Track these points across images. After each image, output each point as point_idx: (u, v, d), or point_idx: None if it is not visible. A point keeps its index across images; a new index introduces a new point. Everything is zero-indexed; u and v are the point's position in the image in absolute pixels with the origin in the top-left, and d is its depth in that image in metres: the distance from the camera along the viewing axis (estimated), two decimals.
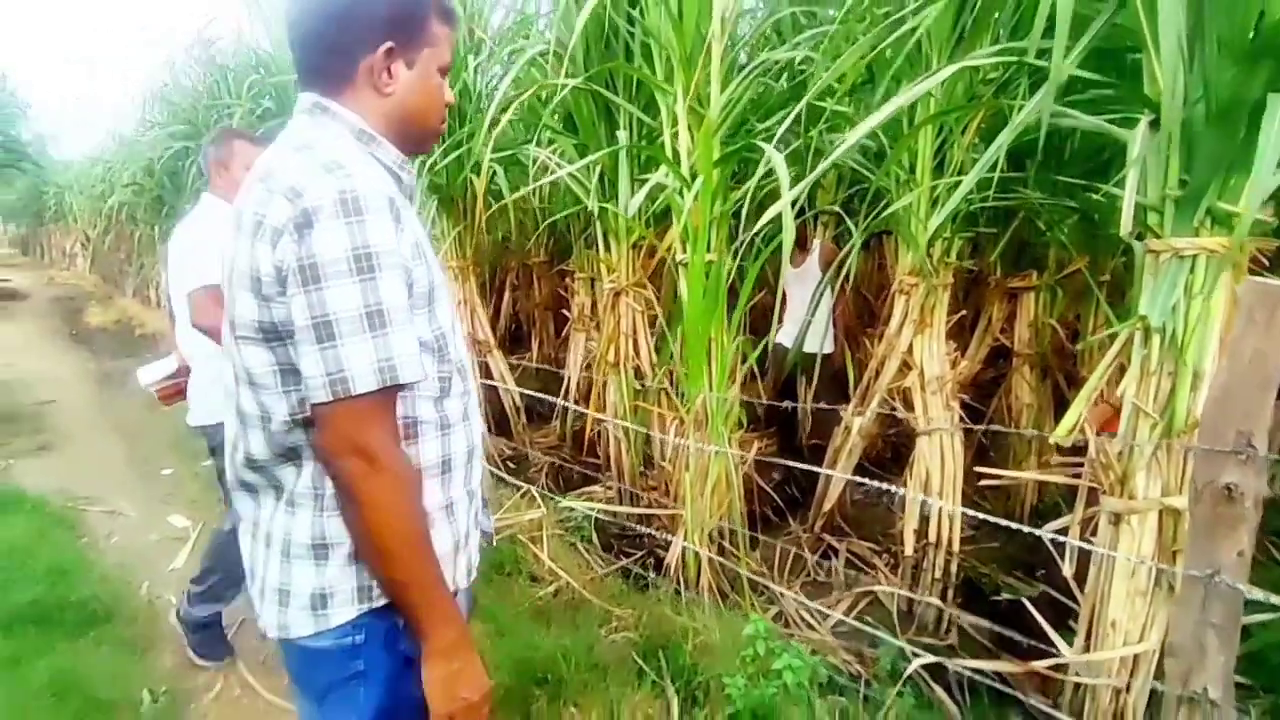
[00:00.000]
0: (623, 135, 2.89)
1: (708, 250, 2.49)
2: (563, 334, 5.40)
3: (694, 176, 2.44)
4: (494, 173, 4.27)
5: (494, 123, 2.81)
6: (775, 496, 3.47)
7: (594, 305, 4.68)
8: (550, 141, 3.43)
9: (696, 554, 2.55)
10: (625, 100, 2.87)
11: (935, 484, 2.75)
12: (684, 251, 2.57)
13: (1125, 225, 1.48)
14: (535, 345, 5.40)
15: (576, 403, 4.35)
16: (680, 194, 2.48)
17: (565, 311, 5.08)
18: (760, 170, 2.43)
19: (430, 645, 0.93)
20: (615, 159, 3.22)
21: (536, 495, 2.96)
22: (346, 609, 0.95)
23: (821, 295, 3.45)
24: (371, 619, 0.96)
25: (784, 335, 3.89)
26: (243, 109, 5.96)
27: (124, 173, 8.99)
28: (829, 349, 3.89)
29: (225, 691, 2.19)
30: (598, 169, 3.22)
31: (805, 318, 3.48)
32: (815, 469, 2.83)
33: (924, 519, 2.77)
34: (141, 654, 2.28)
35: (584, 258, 4.56)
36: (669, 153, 2.54)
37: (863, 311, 4.41)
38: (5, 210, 23.01)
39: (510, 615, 2.37)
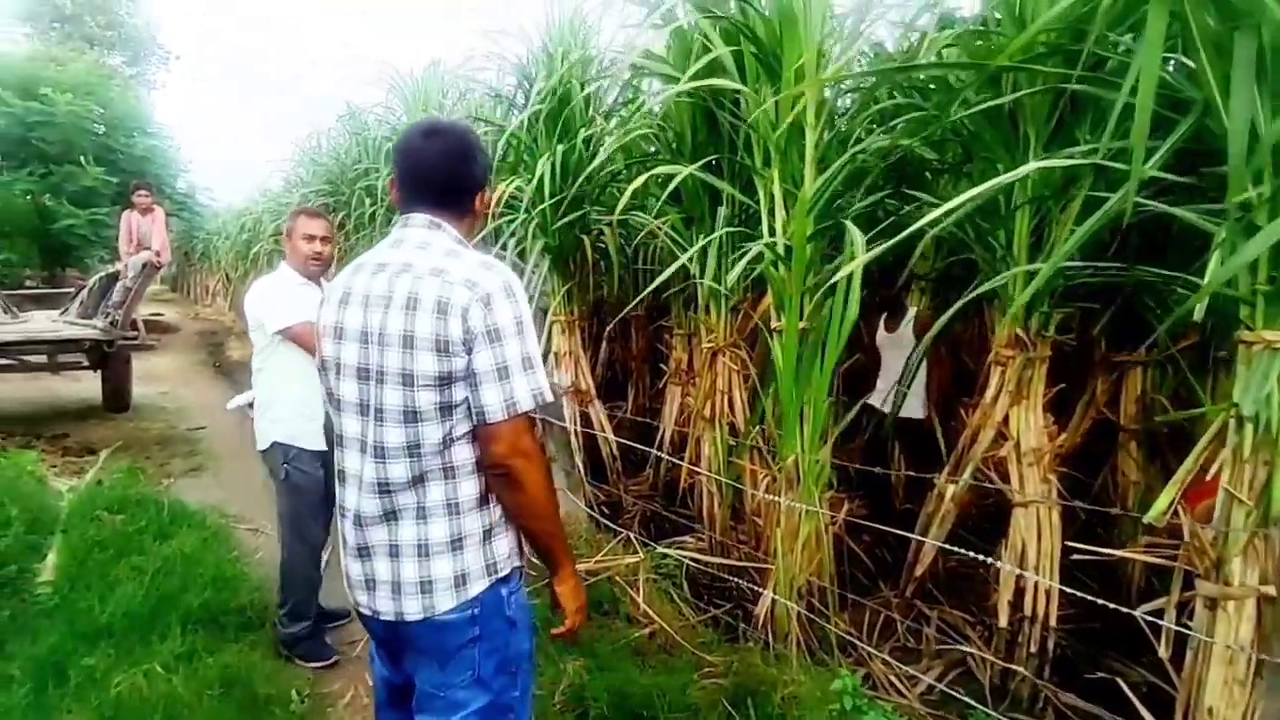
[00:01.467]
0: (723, 211, 3.13)
1: (800, 318, 2.65)
2: (658, 387, 5.63)
3: (788, 250, 2.63)
4: (600, 233, 4.62)
5: (605, 198, 3.11)
6: (866, 559, 3.51)
7: (690, 361, 4.89)
8: (660, 213, 3.71)
9: (786, 608, 2.66)
10: (728, 181, 3.12)
11: (1032, 557, 2.75)
12: (778, 319, 2.75)
13: (1199, 314, 1.56)
14: (631, 396, 5.64)
15: (670, 454, 4.55)
16: (775, 266, 2.67)
17: (661, 365, 5.32)
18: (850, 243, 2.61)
19: (564, 571, 1.40)
20: (714, 227, 3.47)
21: (634, 540, 3.14)
22: (480, 582, 1.34)
23: (919, 362, 3.52)
24: (490, 593, 1.35)
25: (876, 397, 3.96)
26: (380, 174, 6.64)
27: (270, 224, 10.04)
28: (921, 414, 3.93)
29: (355, 700, 2.46)
30: (700, 236, 3.47)
31: (902, 385, 3.56)
32: (907, 534, 2.88)
33: (1019, 592, 2.77)
34: (286, 660, 2.60)
35: (681, 316, 4.80)
36: (765, 229, 2.76)
37: (960, 377, 4.42)
38: None
39: (608, 652, 2.54)
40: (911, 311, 3.97)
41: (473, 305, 1.24)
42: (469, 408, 1.27)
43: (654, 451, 4.61)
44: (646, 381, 5.68)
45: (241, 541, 3.75)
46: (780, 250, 2.59)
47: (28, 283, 12.90)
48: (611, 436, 4.70)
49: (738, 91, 2.84)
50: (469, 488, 1.32)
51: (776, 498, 2.70)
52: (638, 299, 5.35)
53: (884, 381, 3.96)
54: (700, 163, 3.01)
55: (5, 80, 12.00)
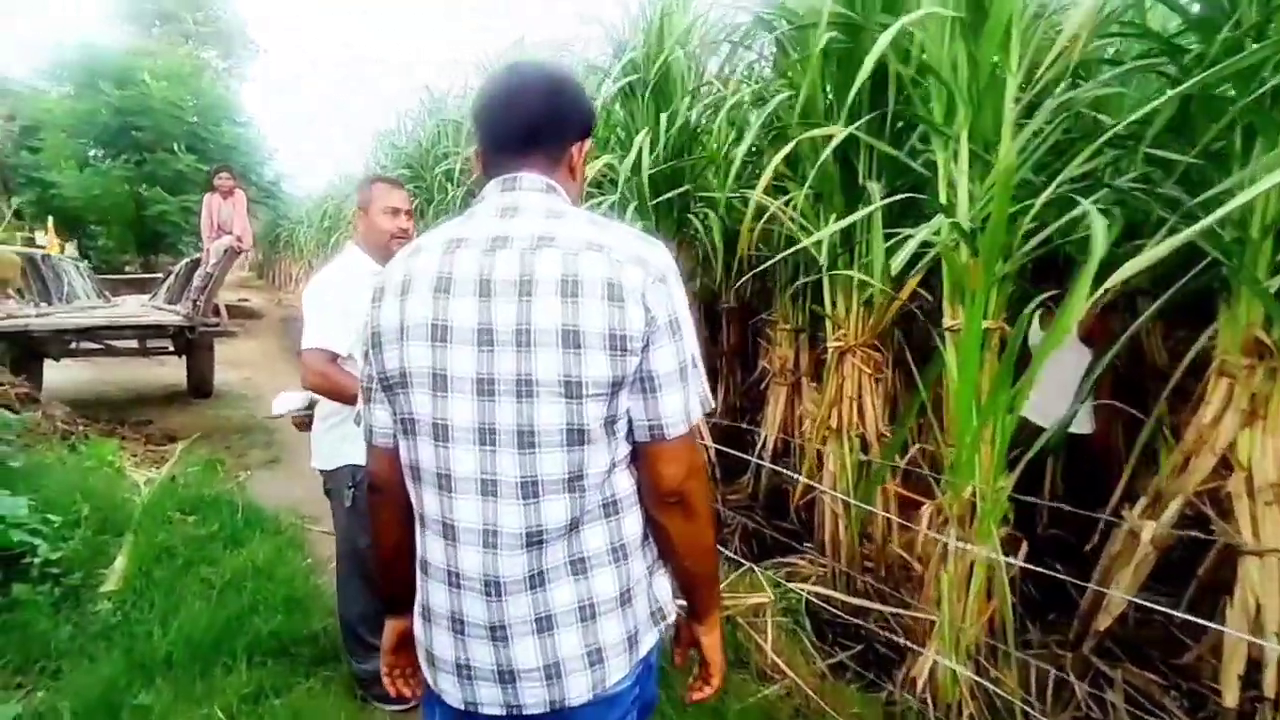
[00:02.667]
0: (874, 186, 2.61)
1: (984, 315, 2.14)
2: (747, 385, 5.15)
3: (974, 231, 2.11)
4: (704, 215, 4.15)
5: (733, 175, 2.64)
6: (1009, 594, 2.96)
7: (797, 360, 4.40)
8: (781, 189, 3.22)
9: (954, 673, 2.16)
10: (888, 144, 2.60)
11: (1272, 621, 2.17)
12: (953, 316, 2.23)
13: None
14: (720, 395, 5.16)
15: (773, 462, 4.07)
16: (956, 249, 2.16)
17: (755, 362, 4.84)
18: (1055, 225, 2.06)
19: (713, 617, 1.16)
20: (855, 207, 2.96)
21: (761, 578, 2.68)
22: (650, 637, 1.09)
23: (1094, 371, 2.94)
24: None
25: (1030, 409, 3.38)
26: (459, 155, 6.36)
27: (350, 210, 9.99)
28: (1087, 429, 3.33)
29: None
30: (832, 217, 2.96)
31: (1079, 397, 2.99)
32: (1092, 586, 2.34)
33: (1253, 664, 2.19)
34: (362, 701, 2.26)
35: (787, 309, 4.31)
36: (943, 198, 2.24)
37: (1126, 385, 3.77)
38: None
39: (736, 713, 2.11)
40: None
41: (649, 287, 0.98)
42: (628, 422, 1.01)
43: (754, 460, 4.15)
44: (738, 378, 5.20)
45: (315, 548, 3.49)
46: (965, 229, 2.07)
47: (127, 269, 13.41)
48: (709, 442, 4.26)
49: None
50: (632, 524, 1.05)
51: (942, 535, 2.20)
52: (724, 283, 4.91)
53: (1038, 389, 3.36)
54: (859, 123, 2.48)
55: (104, 71, 12.41)
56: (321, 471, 2.27)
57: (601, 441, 0.99)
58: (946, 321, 2.23)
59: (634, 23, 4.39)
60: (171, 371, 7.42)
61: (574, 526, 1.01)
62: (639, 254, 0.99)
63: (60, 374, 6.88)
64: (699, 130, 4.08)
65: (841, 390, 3.12)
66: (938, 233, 2.23)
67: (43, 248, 8.78)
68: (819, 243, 3.12)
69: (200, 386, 6.93)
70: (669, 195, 3.62)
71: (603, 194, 3.97)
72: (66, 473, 3.65)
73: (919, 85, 2.47)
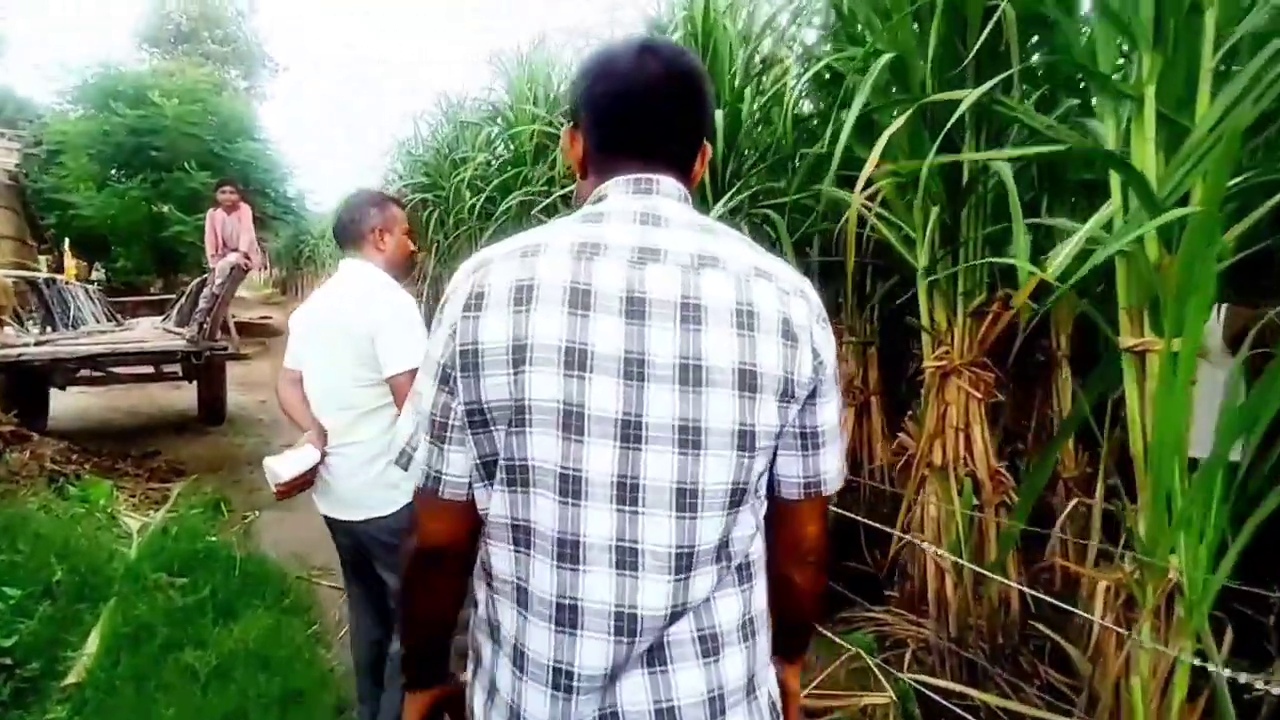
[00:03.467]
0: (1004, 167, 2.08)
1: (1182, 331, 1.60)
2: None
3: (1167, 225, 1.58)
4: (761, 218, 3.64)
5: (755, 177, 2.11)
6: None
7: (865, 378, 3.87)
8: (849, 180, 2.71)
9: None
10: (1020, 106, 2.06)
11: None
12: (1135, 331, 1.70)
13: None
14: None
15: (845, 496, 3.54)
16: (1140, 245, 1.62)
17: None
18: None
19: (799, 665, 1.05)
20: (960, 198, 2.44)
21: (876, 672, 2.14)
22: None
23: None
24: None
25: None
26: (479, 160, 5.92)
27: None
28: (1236, 456, 2.75)
29: None
30: (933, 212, 2.44)
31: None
32: None
33: None
34: None
35: (855, 319, 3.79)
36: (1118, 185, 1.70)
37: None
38: (271, 256, 26.62)
39: None
40: (1220, 310, 2.79)
41: (816, 327, 0.84)
42: (770, 478, 0.87)
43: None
44: None
45: (324, 608, 3.02)
46: (1163, 217, 1.53)
47: (151, 289, 13.21)
48: None
49: None
50: (760, 594, 0.89)
51: (1129, 632, 1.66)
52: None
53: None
54: (994, 81, 1.94)
55: (119, 92, 12.24)
56: (375, 520, 1.92)
57: (753, 501, 0.86)
58: (1130, 341, 1.69)
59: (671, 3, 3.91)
60: (185, 395, 7.05)
61: (709, 599, 0.84)
62: (802, 286, 0.87)
63: (69, 401, 6.55)
64: (757, 119, 3.58)
65: (944, 419, 2.59)
66: (1106, 225, 1.71)
67: (58, 274, 8.52)
68: (908, 242, 2.61)
69: (212, 412, 6.54)
70: (734, 196, 3.10)
71: None
72: (48, 524, 3.23)
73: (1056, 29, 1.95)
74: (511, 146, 5.84)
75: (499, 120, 5.95)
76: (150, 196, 12.25)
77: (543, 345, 0.78)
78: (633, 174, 0.88)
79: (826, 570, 0.95)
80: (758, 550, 0.88)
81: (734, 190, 3.24)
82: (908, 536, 2.71)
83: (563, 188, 4.53)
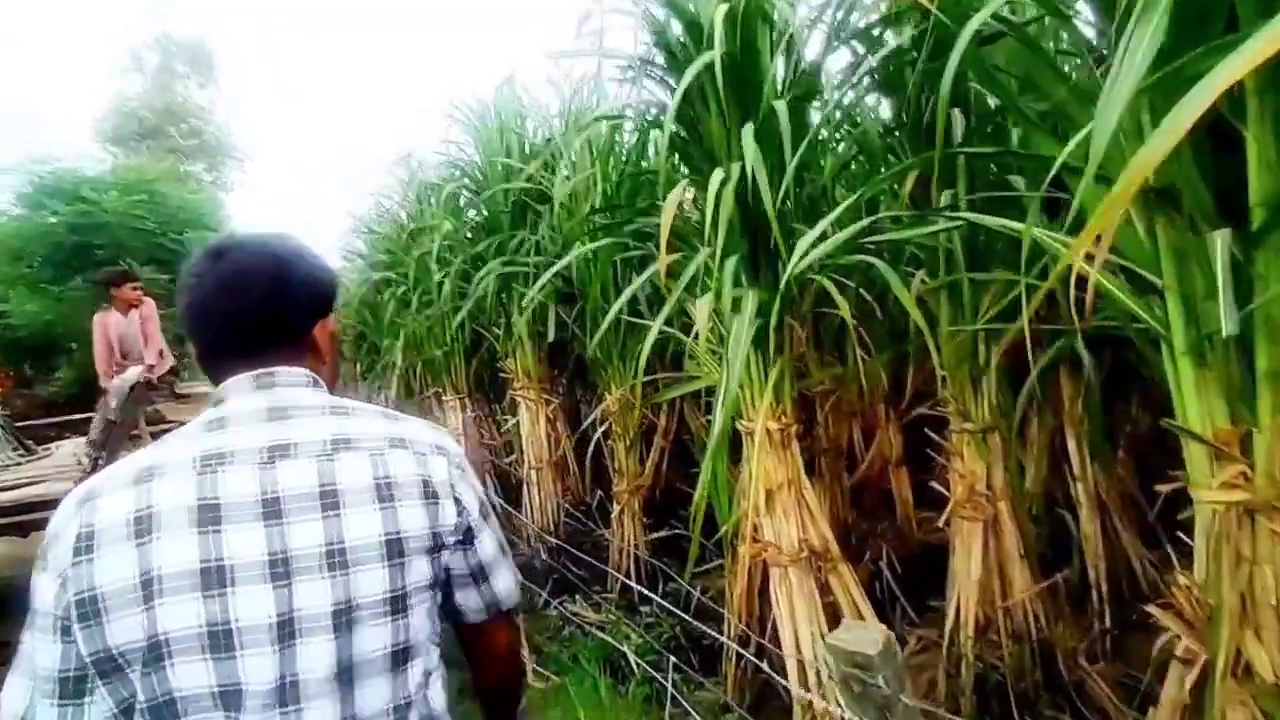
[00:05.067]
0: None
1: None
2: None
3: None
4: (806, 279, 2.60)
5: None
6: None
7: (990, 479, 2.81)
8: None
9: None
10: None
11: None
12: None
13: None
14: (881, 551, 3.46)
15: (979, 648, 2.44)
16: None
17: (927, 484, 3.23)
18: None
19: None
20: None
21: None
22: None
23: None
24: None
25: None
26: (446, 228, 4.92)
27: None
28: None
29: None
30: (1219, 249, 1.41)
31: None
32: None
33: None
34: None
35: (966, 397, 2.76)
36: None
37: None
38: None
39: None
40: None
41: (456, 479, 0.97)
42: (449, 612, 1.00)
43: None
44: (911, 516, 3.57)
45: None
46: None
47: (96, 401, 11.95)
48: (881, 631, 2.62)
49: None
50: None
51: None
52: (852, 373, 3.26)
53: None
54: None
55: (58, 189, 11.30)
56: None
57: (423, 654, 0.91)
58: None
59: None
60: None
61: None
62: (438, 443, 0.97)
63: None
64: (819, 144, 2.59)
65: (1252, 589, 1.50)
66: None
67: None
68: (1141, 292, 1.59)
69: None
70: (808, 252, 2.06)
71: (686, 253, 2.45)
72: None
73: None
74: (485, 211, 4.86)
75: (467, 180, 4.98)
76: (91, 297, 11.16)
77: (174, 574, 0.78)
78: (250, 370, 0.92)
79: (519, 663, 1.12)
80: (438, 701, 0.92)
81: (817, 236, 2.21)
82: None
83: (556, 257, 3.54)
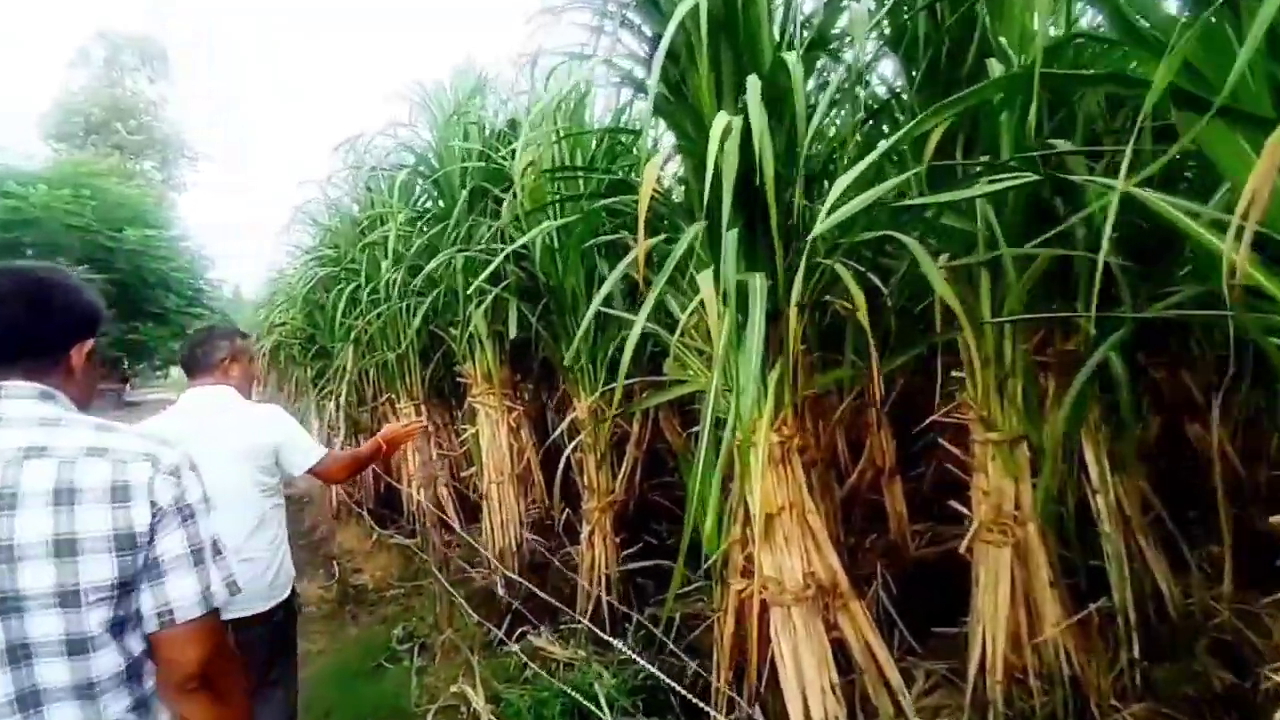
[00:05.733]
0: None
1: None
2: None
3: None
4: (820, 266, 2.21)
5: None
6: None
7: (1018, 496, 2.45)
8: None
9: None
10: None
11: None
12: None
13: None
14: (876, 571, 3.06)
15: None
16: None
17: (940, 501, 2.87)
18: None
19: None
20: None
21: None
22: None
23: None
24: None
25: None
26: (401, 219, 4.45)
27: (275, 312, 8.00)
28: None
29: None
30: None
31: None
32: None
33: None
34: None
35: (990, 401, 2.41)
36: None
37: None
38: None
39: None
40: None
41: (158, 481, 1.07)
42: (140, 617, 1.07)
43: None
44: (905, 531, 3.18)
45: None
46: None
47: None
48: (896, 681, 2.20)
49: None
50: None
51: None
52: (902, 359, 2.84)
53: None
54: None
55: None
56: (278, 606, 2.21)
57: (110, 646, 1.02)
58: None
59: None
60: None
61: None
62: (147, 451, 1.07)
63: None
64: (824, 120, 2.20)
65: None
66: None
67: None
68: None
69: None
70: (836, 209, 1.65)
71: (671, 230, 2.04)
72: None
73: None
74: (439, 200, 4.40)
75: (422, 166, 4.51)
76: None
77: None
78: None
79: (229, 707, 1.10)
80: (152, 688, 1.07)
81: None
82: None
83: (513, 241, 3.10)
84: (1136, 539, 2.78)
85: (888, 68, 2.62)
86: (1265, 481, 3.15)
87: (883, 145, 1.49)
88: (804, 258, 1.69)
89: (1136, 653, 2.71)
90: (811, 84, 2.35)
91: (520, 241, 2.68)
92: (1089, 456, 2.74)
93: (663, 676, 2.28)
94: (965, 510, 2.52)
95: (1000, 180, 1.52)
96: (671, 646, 2.88)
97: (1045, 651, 2.41)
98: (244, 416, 2.24)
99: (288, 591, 2.28)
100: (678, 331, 2.06)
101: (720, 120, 1.80)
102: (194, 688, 1.06)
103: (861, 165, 1.49)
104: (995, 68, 1.85)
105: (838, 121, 2.61)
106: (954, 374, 2.62)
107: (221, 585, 1.10)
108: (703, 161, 1.87)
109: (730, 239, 1.67)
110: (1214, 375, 2.92)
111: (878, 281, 2.21)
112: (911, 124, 1.34)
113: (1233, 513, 2.74)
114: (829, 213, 1.41)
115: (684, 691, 2.28)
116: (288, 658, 2.34)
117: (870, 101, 2.32)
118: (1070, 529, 2.60)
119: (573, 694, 2.60)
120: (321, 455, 2.30)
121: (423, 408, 5.27)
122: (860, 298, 1.86)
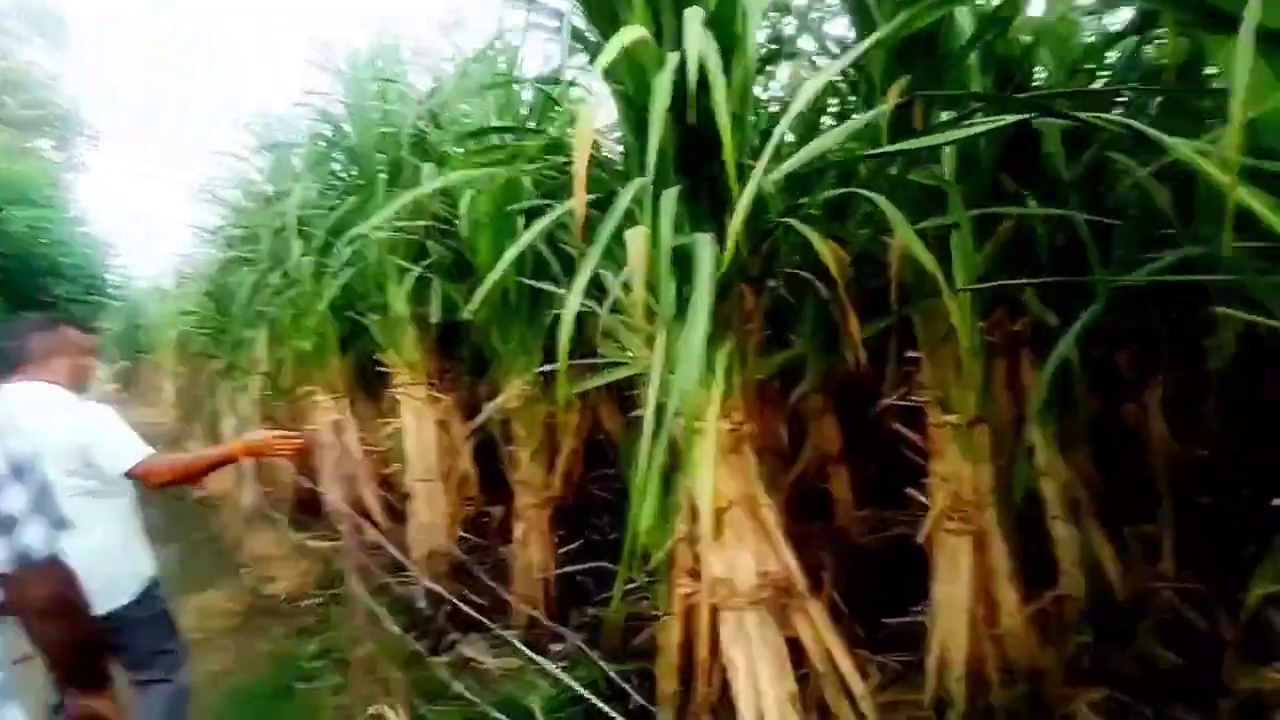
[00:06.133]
0: None
1: None
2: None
3: None
4: (780, 228, 2.00)
5: None
6: None
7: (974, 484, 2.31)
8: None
9: None
10: None
11: None
12: None
13: None
14: (820, 561, 2.91)
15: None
16: None
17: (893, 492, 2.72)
18: None
19: None
20: None
21: None
22: None
23: None
24: None
25: None
26: (312, 192, 4.06)
27: (183, 299, 7.39)
28: None
29: None
30: None
31: None
32: None
33: None
34: None
35: (943, 373, 2.28)
36: None
37: None
38: (105, 346, 22.78)
39: None
40: None
41: None
42: None
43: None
44: (851, 519, 3.03)
45: None
46: None
47: None
48: (857, 686, 2.04)
49: None
50: None
51: None
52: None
53: None
54: None
55: None
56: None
57: None
58: None
59: None
60: None
61: None
62: None
63: None
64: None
65: None
66: None
67: None
68: None
69: None
70: (784, 158, 1.44)
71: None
72: None
73: None
74: (355, 173, 4.03)
75: (335, 134, 4.13)
76: None
77: None
78: None
79: None
80: None
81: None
82: None
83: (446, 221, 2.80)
84: (1083, 522, 2.71)
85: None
86: (1197, 461, 3.13)
87: (834, 66, 1.29)
88: (752, 219, 1.47)
89: (1087, 637, 2.64)
90: (762, 36, 2.15)
91: (434, 185, 2.38)
92: (1037, 440, 2.63)
93: (596, 700, 2.05)
94: (921, 497, 2.39)
95: (974, 125, 1.34)
96: (608, 666, 2.66)
97: (1005, 643, 2.30)
98: (46, 416, 2.12)
99: (129, 598, 2.20)
100: (607, 305, 1.82)
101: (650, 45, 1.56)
102: None
103: (809, 89, 1.28)
104: (964, 19, 1.67)
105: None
106: (908, 354, 2.48)
107: None
108: (642, 112, 1.64)
109: (669, 195, 1.44)
110: (1148, 355, 2.87)
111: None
112: (887, 27, 1.14)
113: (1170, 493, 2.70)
114: (773, 153, 1.20)
115: (616, 716, 2.06)
116: (152, 670, 2.29)
117: (819, 51, 2.13)
118: (1016, 514, 2.50)
119: (500, 714, 2.35)
120: (141, 457, 2.17)
121: (344, 402, 4.90)
122: (829, 255, 1.66)
